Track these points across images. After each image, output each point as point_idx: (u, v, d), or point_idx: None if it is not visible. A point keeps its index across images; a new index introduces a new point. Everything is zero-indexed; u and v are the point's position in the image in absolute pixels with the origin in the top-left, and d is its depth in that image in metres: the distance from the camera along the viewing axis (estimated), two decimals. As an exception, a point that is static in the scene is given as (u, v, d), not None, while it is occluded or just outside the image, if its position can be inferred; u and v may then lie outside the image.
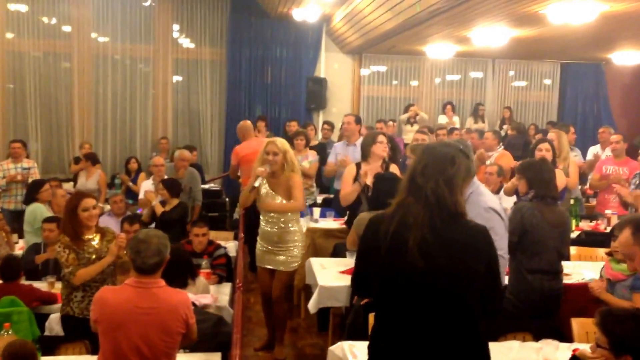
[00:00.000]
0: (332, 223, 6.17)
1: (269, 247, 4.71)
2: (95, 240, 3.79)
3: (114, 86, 10.22)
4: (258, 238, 4.78)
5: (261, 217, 4.74)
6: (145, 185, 6.79)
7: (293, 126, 8.88)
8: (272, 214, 4.64)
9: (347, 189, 5.09)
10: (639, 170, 5.48)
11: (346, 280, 4.21)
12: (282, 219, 4.65)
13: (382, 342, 2.22)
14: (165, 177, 6.69)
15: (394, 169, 5.16)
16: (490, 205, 3.13)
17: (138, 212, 6.56)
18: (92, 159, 7.91)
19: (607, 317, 2.29)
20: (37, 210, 5.73)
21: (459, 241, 2.12)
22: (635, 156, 6.14)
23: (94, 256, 3.73)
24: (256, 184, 4.49)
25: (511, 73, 11.53)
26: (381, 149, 5.14)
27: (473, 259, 2.14)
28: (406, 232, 2.11)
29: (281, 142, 4.61)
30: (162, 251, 2.88)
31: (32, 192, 5.97)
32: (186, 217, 6.11)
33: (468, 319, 2.15)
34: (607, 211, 6.01)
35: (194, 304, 3.92)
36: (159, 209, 5.90)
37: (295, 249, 4.71)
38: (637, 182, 5.33)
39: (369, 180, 4.84)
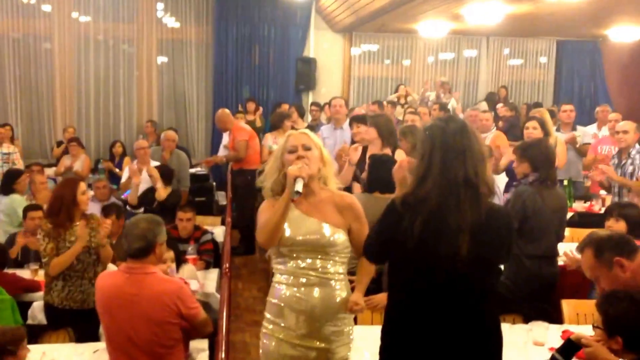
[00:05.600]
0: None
1: (300, 338, 2.53)
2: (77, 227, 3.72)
3: (97, 68, 10.00)
4: (270, 317, 2.59)
5: (280, 275, 2.59)
6: (128, 169, 6.64)
7: (285, 109, 8.71)
8: (309, 268, 2.53)
9: (344, 169, 4.96)
10: (618, 150, 5.32)
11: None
12: (327, 275, 2.54)
13: (400, 324, 2.23)
14: (151, 160, 6.54)
15: (399, 154, 4.73)
16: None
17: (123, 197, 6.40)
18: (79, 142, 7.90)
19: (605, 297, 2.25)
20: (16, 203, 5.62)
21: (487, 225, 2.11)
22: None
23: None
24: (299, 189, 2.43)
25: (506, 51, 11.33)
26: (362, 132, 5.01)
27: (499, 244, 2.16)
28: (441, 220, 2.09)
29: (312, 134, 2.71)
30: (146, 236, 2.84)
31: (9, 182, 5.82)
32: (178, 205, 6.00)
33: (487, 300, 2.18)
34: (602, 192, 5.89)
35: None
36: (162, 194, 5.75)
37: (349, 327, 2.64)
38: (616, 162, 5.19)
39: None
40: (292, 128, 7.23)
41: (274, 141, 6.74)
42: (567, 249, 3.88)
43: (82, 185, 3.81)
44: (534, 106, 8.52)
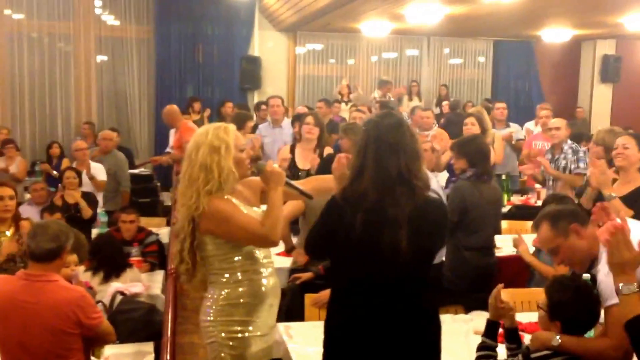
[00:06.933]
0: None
1: (270, 328, 2.62)
2: (7, 234, 3.58)
3: (32, 66, 9.63)
4: (240, 319, 2.48)
5: (238, 274, 2.50)
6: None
7: (229, 107, 8.65)
8: (267, 257, 2.59)
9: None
10: (551, 146, 5.55)
11: (283, 262, 4.08)
12: (272, 259, 2.66)
13: (342, 317, 2.25)
14: (91, 162, 6.39)
15: (328, 152, 5.02)
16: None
17: None
18: (15, 144, 7.61)
19: (554, 282, 2.33)
20: None
21: (424, 217, 2.17)
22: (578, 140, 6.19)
23: None
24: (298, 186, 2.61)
25: (446, 50, 11.62)
26: (305, 130, 5.07)
27: (436, 235, 2.23)
28: (381, 215, 2.13)
29: None
30: (60, 237, 2.70)
31: None
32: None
33: (426, 291, 2.23)
34: (537, 185, 6.15)
35: (123, 294, 3.76)
36: (87, 213, 5.58)
37: None
38: (550, 157, 5.43)
39: (303, 165, 4.80)
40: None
41: None
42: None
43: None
44: (485, 102, 8.84)
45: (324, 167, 3.96)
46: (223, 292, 2.46)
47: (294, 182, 2.51)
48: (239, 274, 2.47)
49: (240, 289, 2.46)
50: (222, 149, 2.40)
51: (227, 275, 2.47)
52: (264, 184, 2.50)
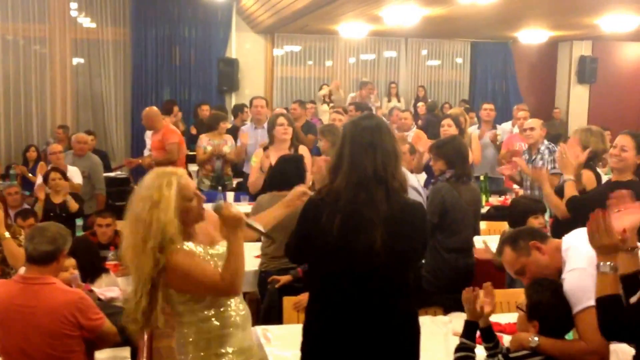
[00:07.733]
0: (246, 207, 5.98)
1: (247, 350, 2.46)
2: None
3: (6, 69, 9.52)
4: (221, 351, 2.35)
5: (230, 308, 2.37)
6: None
7: (205, 110, 8.60)
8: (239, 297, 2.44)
9: (254, 176, 4.98)
10: (528, 146, 5.60)
11: (252, 265, 4.06)
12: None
13: (319, 319, 2.24)
14: (67, 166, 6.31)
15: (303, 150, 5.06)
16: (409, 182, 3.13)
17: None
18: None
19: (533, 283, 2.37)
20: None
21: (401, 219, 2.16)
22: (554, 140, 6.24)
23: None
24: (259, 227, 2.44)
25: (424, 52, 11.70)
26: (280, 131, 5.05)
27: (414, 237, 2.20)
28: (357, 216, 2.12)
29: None
30: (57, 240, 2.71)
31: None
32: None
33: (404, 294, 2.22)
34: (515, 186, 6.20)
35: (99, 299, 3.70)
36: (74, 206, 5.52)
37: None
38: (527, 158, 5.48)
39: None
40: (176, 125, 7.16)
41: (208, 142, 6.62)
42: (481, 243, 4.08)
43: None
44: (463, 103, 8.88)
45: (275, 165, 3.90)
46: (193, 329, 2.32)
47: (254, 223, 2.33)
48: (207, 311, 2.31)
49: (211, 324, 2.32)
50: (161, 203, 2.18)
51: (195, 313, 2.31)
52: (222, 226, 2.30)
